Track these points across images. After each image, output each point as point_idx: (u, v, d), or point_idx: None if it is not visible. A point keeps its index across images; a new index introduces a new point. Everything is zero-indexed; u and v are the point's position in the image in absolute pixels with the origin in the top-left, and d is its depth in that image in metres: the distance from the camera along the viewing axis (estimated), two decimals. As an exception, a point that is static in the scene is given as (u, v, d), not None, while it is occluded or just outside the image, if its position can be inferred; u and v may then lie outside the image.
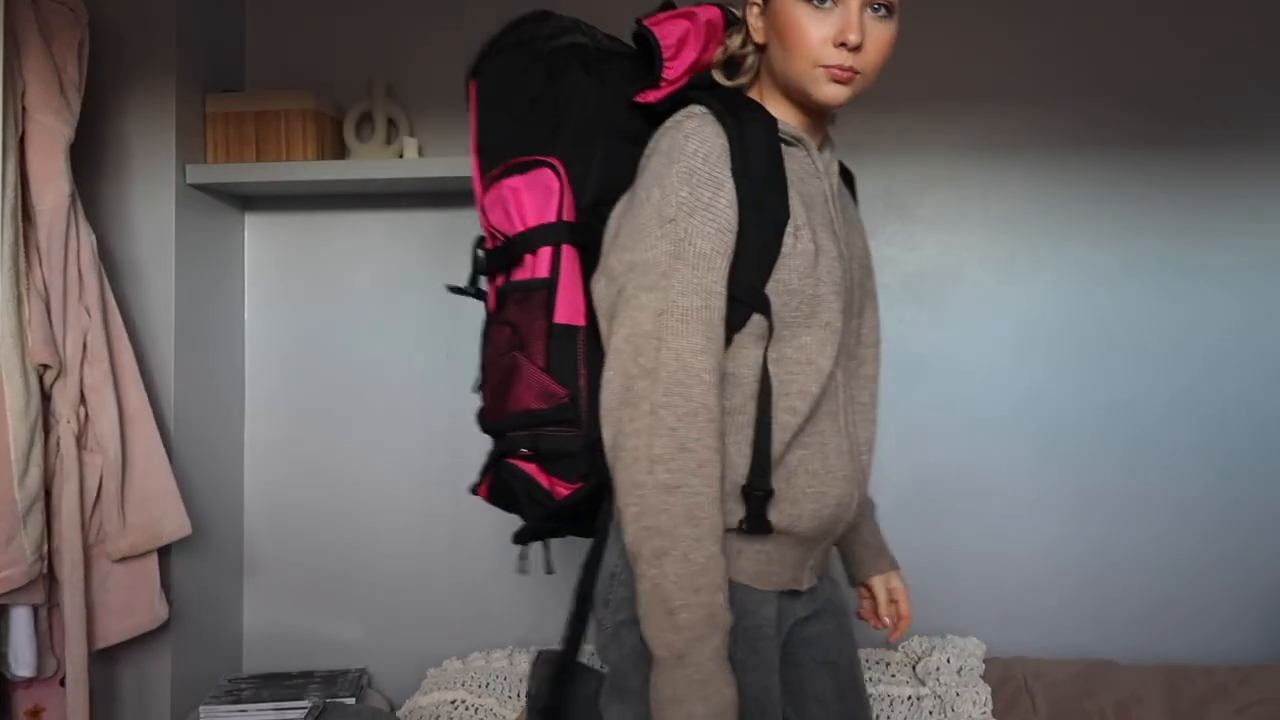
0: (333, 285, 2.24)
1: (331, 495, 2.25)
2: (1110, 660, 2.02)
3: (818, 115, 1.26)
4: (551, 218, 1.25)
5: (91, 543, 1.79)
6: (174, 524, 1.87)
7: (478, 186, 1.33)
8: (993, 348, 2.15)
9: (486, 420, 1.31)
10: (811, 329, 1.20)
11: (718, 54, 1.28)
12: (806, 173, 1.24)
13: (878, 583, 1.49)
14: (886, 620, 1.47)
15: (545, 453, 1.25)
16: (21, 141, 1.66)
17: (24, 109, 1.67)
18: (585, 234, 1.25)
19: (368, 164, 2.02)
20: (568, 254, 1.25)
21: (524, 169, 1.27)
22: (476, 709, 1.83)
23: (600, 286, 1.19)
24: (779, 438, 1.19)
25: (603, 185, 1.26)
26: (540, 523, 1.30)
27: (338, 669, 2.18)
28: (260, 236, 2.25)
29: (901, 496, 2.17)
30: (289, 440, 2.25)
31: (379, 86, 2.10)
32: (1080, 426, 2.14)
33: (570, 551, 2.30)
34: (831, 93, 1.18)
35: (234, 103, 2.05)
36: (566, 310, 1.24)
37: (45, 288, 1.71)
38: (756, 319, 1.17)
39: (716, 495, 1.12)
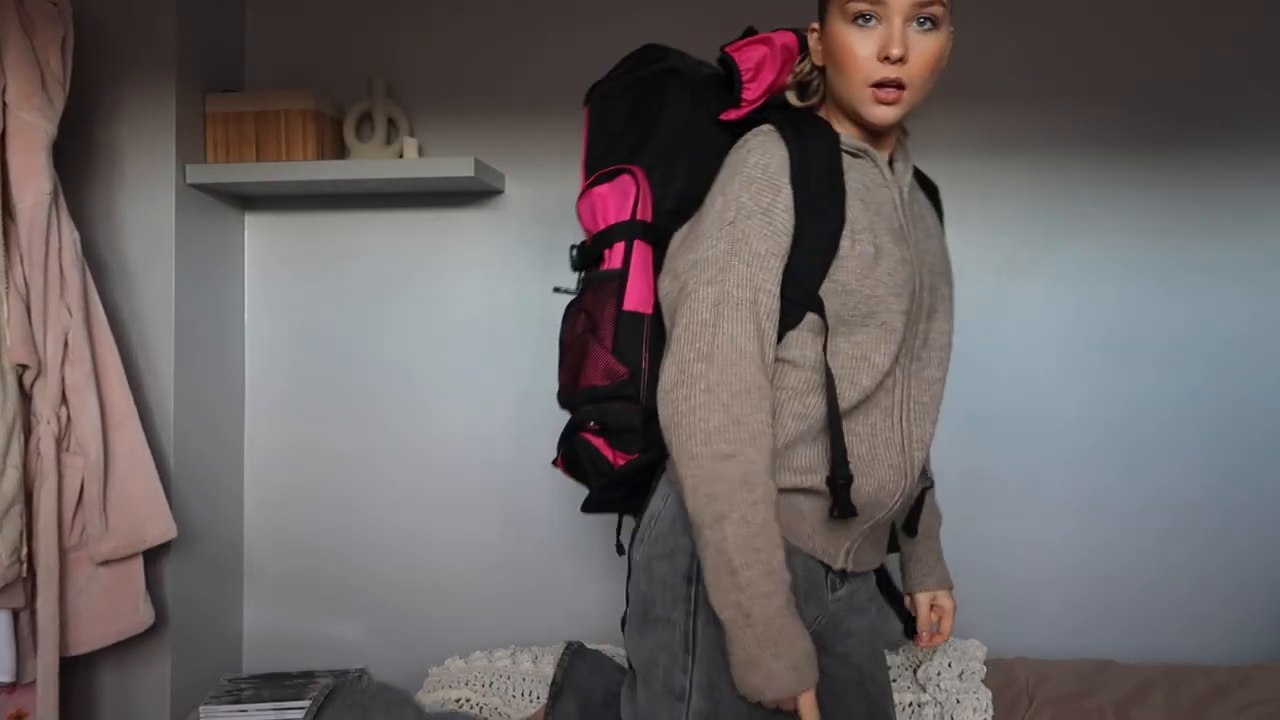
0: (333, 285, 2.24)
1: (332, 494, 2.25)
2: (1110, 660, 2.02)
3: (879, 131, 1.32)
4: (626, 216, 1.37)
5: (74, 546, 1.77)
6: (158, 527, 1.84)
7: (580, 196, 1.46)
8: (993, 348, 2.15)
9: (563, 397, 1.42)
10: (869, 328, 1.27)
11: (790, 77, 1.37)
12: (873, 182, 1.31)
13: (923, 599, 1.55)
14: (924, 636, 1.54)
15: (612, 427, 1.36)
16: (2, 137, 1.64)
17: (5, 105, 1.65)
18: (658, 233, 1.36)
19: (368, 164, 2.02)
20: (639, 249, 1.36)
21: (611, 177, 1.39)
22: (481, 708, 1.83)
23: (665, 283, 1.28)
24: (819, 418, 1.27)
25: (684, 193, 1.36)
26: (603, 491, 1.42)
27: (338, 669, 2.18)
28: (260, 236, 2.25)
29: (901, 496, 2.17)
30: (289, 440, 2.25)
31: (379, 86, 2.10)
32: (1081, 426, 2.14)
33: (578, 543, 2.30)
34: (880, 114, 1.25)
35: (234, 103, 2.05)
36: (636, 298, 1.35)
37: (25, 286, 1.69)
38: (812, 317, 1.25)
39: (769, 465, 1.19)
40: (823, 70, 1.33)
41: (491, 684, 1.84)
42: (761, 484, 1.18)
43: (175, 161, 1.96)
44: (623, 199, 1.37)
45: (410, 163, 2.02)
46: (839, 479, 1.25)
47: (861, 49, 1.22)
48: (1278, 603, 2.13)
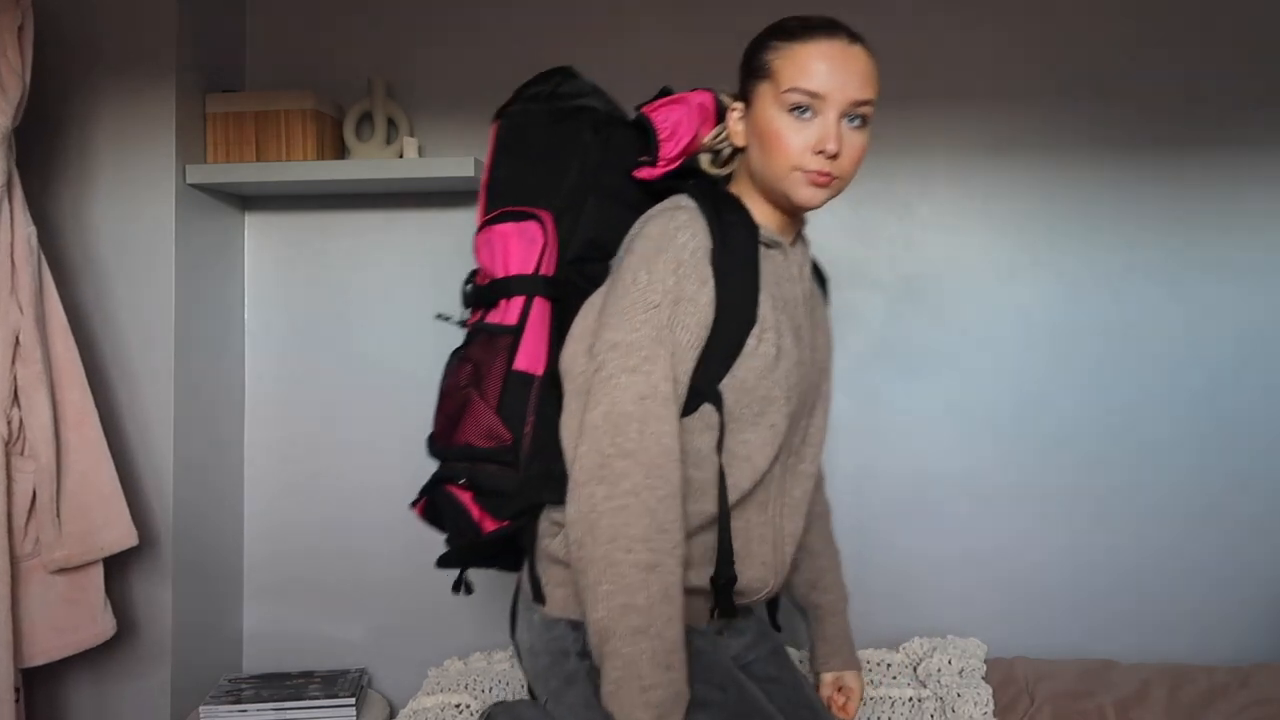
0: (333, 285, 2.24)
1: (332, 494, 2.25)
2: (1110, 660, 2.02)
3: (794, 214, 1.33)
4: (530, 269, 1.32)
5: (27, 554, 1.68)
6: (116, 534, 1.74)
7: (479, 223, 1.41)
8: (993, 348, 2.15)
9: (434, 446, 1.38)
10: (758, 428, 1.26)
11: (705, 143, 1.36)
12: (783, 276, 1.31)
13: (828, 679, 1.55)
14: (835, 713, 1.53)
15: (481, 487, 1.33)
16: None
17: None
18: (560, 288, 1.33)
19: (368, 164, 2.02)
20: (538, 306, 1.33)
21: (518, 218, 1.35)
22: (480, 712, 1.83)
23: (579, 359, 1.25)
24: (707, 513, 1.25)
25: (590, 240, 1.34)
26: (463, 552, 1.39)
27: (338, 669, 2.18)
28: (260, 236, 2.25)
29: (901, 497, 2.17)
30: (289, 440, 2.25)
31: (379, 86, 2.10)
32: (1081, 426, 2.14)
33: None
34: (810, 195, 1.26)
35: (234, 103, 2.04)
36: (527, 358, 1.32)
37: None
38: (707, 408, 1.23)
39: (682, 578, 1.17)
40: (739, 149, 1.33)
41: (490, 690, 1.84)
42: (677, 597, 1.16)
43: (175, 161, 1.96)
44: (528, 247, 1.34)
45: (410, 163, 2.02)
46: (722, 578, 1.25)
47: (796, 139, 1.23)
48: (1278, 603, 2.13)
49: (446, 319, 1.47)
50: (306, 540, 2.26)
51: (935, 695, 1.84)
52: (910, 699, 1.84)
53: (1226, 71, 2.10)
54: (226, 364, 2.18)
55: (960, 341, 2.16)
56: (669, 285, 1.19)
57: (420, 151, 2.09)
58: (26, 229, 1.67)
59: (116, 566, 1.95)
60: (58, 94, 1.94)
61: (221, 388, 2.16)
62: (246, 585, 2.26)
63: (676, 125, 1.35)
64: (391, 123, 2.12)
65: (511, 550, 1.36)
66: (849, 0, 2.15)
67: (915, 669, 1.95)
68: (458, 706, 1.79)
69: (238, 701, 1.97)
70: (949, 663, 1.90)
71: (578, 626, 1.23)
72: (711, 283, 1.21)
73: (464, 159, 1.98)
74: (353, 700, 2.00)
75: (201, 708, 1.96)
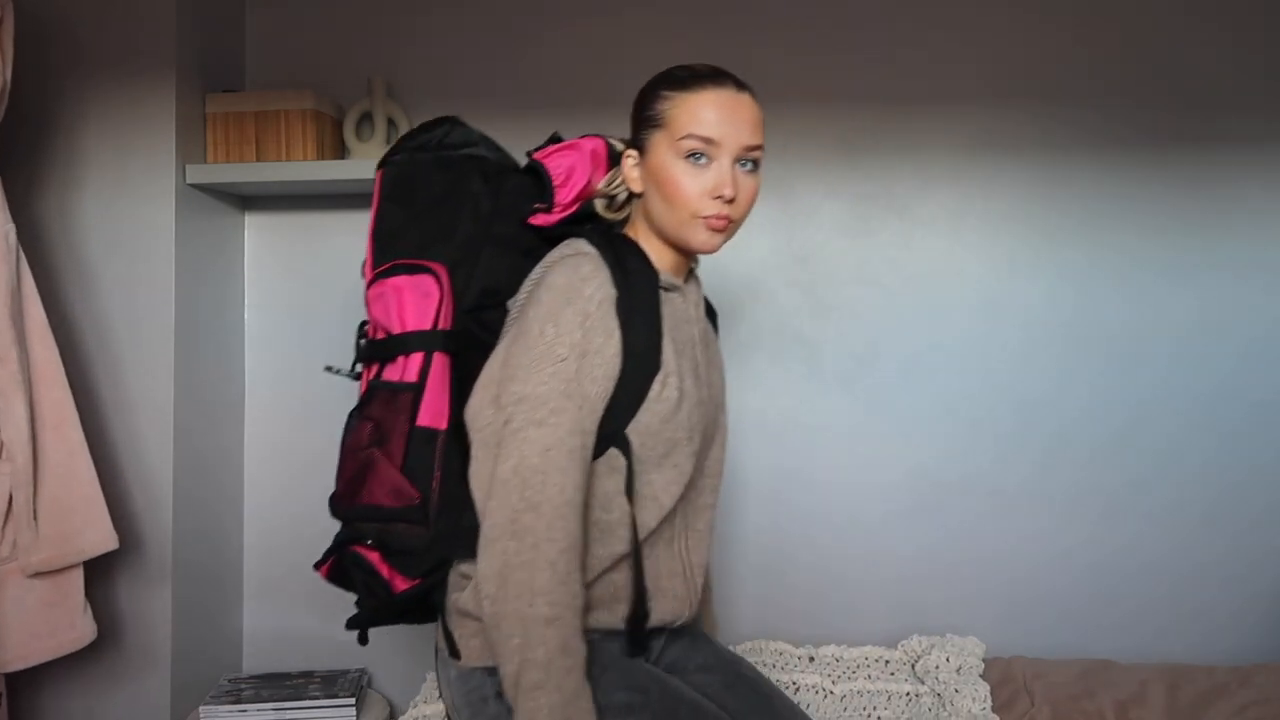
0: (333, 285, 2.24)
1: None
2: (1110, 660, 2.02)
3: (689, 256, 1.35)
4: (427, 325, 1.32)
5: (4, 557, 1.65)
6: (96, 537, 1.71)
7: (368, 275, 1.40)
8: (993, 348, 2.15)
9: (338, 508, 1.36)
10: (662, 469, 1.29)
11: (600, 189, 1.37)
12: (681, 318, 1.34)
13: None
14: None
15: (390, 547, 1.32)
16: None
17: None
18: (458, 341, 1.33)
19: (368, 164, 2.01)
20: (438, 361, 1.32)
21: (411, 270, 1.34)
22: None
23: (486, 412, 1.25)
24: (617, 553, 1.27)
25: (485, 289, 1.35)
26: (374, 613, 1.38)
27: (338, 669, 2.18)
28: (260, 236, 2.25)
29: (901, 496, 2.17)
30: (289, 439, 2.25)
31: (379, 86, 2.10)
32: (1081, 427, 2.14)
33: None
34: (708, 240, 1.28)
35: (234, 103, 2.04)
36: (430, 414, 1.31)
37: None
38: (613, 452, 1.26)
39: (581, 627, 1.19)
40: (635, 195, 1.34)
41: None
42: (576, 648, 1.18)
43: (175, 161, 1.96)
44: (423, 301, 1.33)
45: (410, 163, 2.01)
46: (638, 616, 1.28)
47: (693, 185, 1.26)
48: (1278, 603, 2.13)
49: (336, 371, 1.46)
50: (306, 540, 2.25)
51: (933, 691, 1.85)
52: (907, 694, 1.85)
53: (1230, 69, 2.10)
54: (226, 364, 2.18)
55: (959, 341, 2.16)
56: (576, 339, 1.21)
57: (420, 151, 2.08)
58: (4, 226, 1.64)
59: (116, 566, 1.95)
60: (57, 94, 1.94)
61: (221, 388, 2.16)
62: (246, 585, 2.26)
63: (570, 171, 1.36)
64: (391, 123, 2.12)
65: (423, 606, 1.36)
66: (849, 2, 2.16)
67: (913, 666, 1.95)
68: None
69: (238, 701, 1.97)
70: (947, 660, 1.91)
71: (493, 672, 1.25)
72: (618, 334, 1.24)
73: (464, 159, 1.98)
74: (353, 700, 2.00)
75: (201, 708, 1.96)
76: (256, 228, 2.25)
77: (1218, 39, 2.10)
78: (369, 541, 1.33)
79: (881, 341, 2.17)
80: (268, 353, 2.25)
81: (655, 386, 1.26)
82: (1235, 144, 2.11)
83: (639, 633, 1.29)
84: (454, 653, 1.30)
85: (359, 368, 1.42)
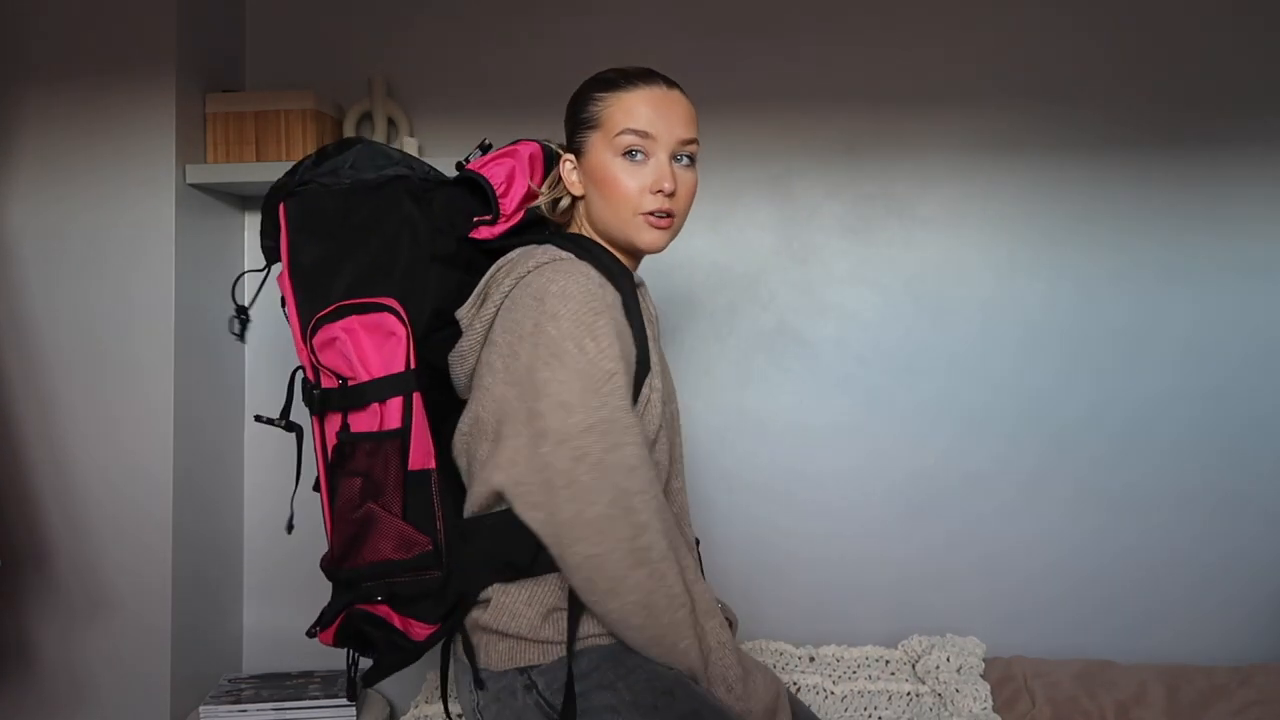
0: (333, 285, 2.24)
1: (331, 495, 2.25)
2: (1110, 660, 2.02)
3: (637, 256, 1.35)
4: (400, 366, 1.26)
5: None
6: None
7: (296, 319, 1.32)
8: (993, 347, 2.15)
9: (340, 571, 1.29)
10: (658, 462, 1.30)
11: (542, 195, 1.35)
12: (646, 318, 1.34)
13: None
14: None
15: (402, 597, 1.27)
16: None
17: None
18: (429, 374, 1.30)
19: (368, 164, 2.01)
20: (416, 401, 1.27)
21: (362, 310, 1.27)
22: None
23: (543, 449, 1.18)
24: None
25: (435, 312, 1.31)
26: (396, 664, 1.32)
27: (338, 669, 2.18)
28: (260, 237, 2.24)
29: (901, 496, 2.17)
30: (289, 439, 2.23)
31: (379, 86, 2.10)
32: (1080, 426, 2.14)
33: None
34: (653, 238, 1.29)
35: (234, 103, 2.04)
36: (419, 456, 1.27)
37: None
38: None
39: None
40: (576, 198, 1.34)
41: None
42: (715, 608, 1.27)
43: (175, 161, 1.96)
44: (386, 341, 1.26)
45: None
46: None
47: (632, 182, 1.27)
48: (1278, 603, 2.13)
49: (269, 422, 1.41)
50: (306, 540, 2.25)
51: (933, 691, 1.85)
52: (908, 693, 1.85)
53: (1227, 71, 2.10)
54: (226, 364, 2.18)
55: (959, 341, 2.16)
56: (617, 350, 1.19)
57: (420, 151, 2.09)
58: None
59: (116, 566, 1.95)
60: (58, 94, 1.94)
61: (221, 387, 2.16)
62: (246, 585, 2.26)
63: (510, 178, 1.34)
64: (391, 123, 2.12)
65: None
66: (848, 2, 2.16)
67: (914, 666, 1.95)
68: (460, 715, 1.79)
69: (238, 701, 1.97)
70: (947, 660, 1.91)
71: (524, 671, 1.25)
72: (631, 336, 1.25)
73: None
74: (353, 700, 2.00)
75: (201, 708, 1.96)
76: (256, 228, 2.24)
77: (1219, 39, 2.10)
78: (379, 598, 1.27)
79: (881, 341, 2.17)
80: (268, 353, 2.25)
81: (646, 387, 1.27)
82: (1236, 144, 2.10)
83: None
84: (480, 662, 1.28)
85: (291, 419, 1.37)
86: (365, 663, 1.39)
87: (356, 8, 2.22)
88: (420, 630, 1.29)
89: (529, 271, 1.25)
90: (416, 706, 1.87)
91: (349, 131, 2.12)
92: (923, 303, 2.16)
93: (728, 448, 2.19)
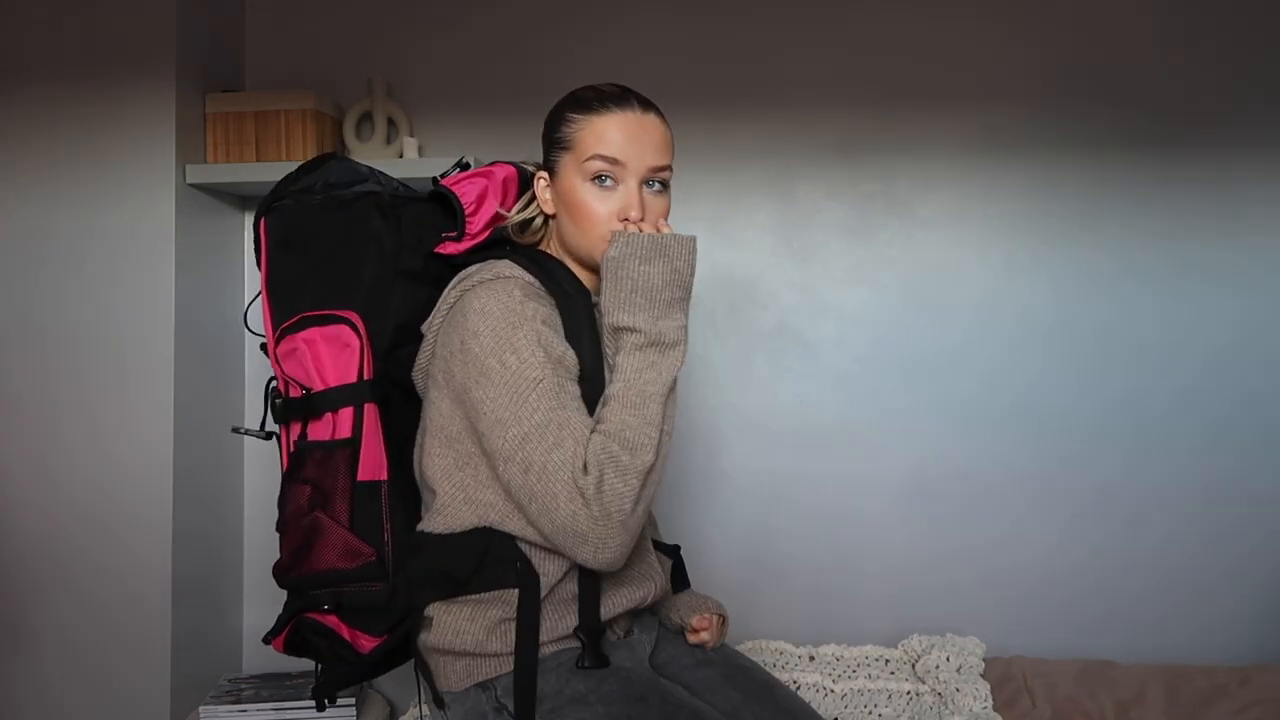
0: (333, 285, 2.24)
1: (331, 495, 2.24)
2: (1110, 660, 2.02)
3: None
4: (353, 377, 1.29)
5: None
6: None
7: (269, 331, 1.35)
8: (993, 347, 2.15)
9: (286, 577, 1.32)
10: None
11: (513, 216, 1.36)
12: (597, 330, 1.33)
13: (694, 621, 1.48)
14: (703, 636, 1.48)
15: (347, 607, 1.29)
16: None
17: None
18: (384, 389, 1.31)
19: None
20: (369, 412, 1.29)
21: (322, 322, 1.30)
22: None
23: (499, 469, 1.20)
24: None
25: (399, 328, 1.32)
26: (343, 677, 1.35)
27: (338, 669, 2.17)
28: (260, 236, 2.25)
29: (901, 496, 2.17)
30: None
31: (379, 86, 2.10)
32: (1080, 426, 2.14)
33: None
34: None
35: (234, 103, 2.05)
36: (369, 468, 1.29)
37: None
38: None
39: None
40: (549, 216, 1.35)
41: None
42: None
43: (175, 161, 1.96)
44: (341, 353, 1.29)
45: (410, 163, 2.02)
46: (589, 628, 1.27)
47: (601, 207, 1.27)
48: (1277, 603, 2.13)
49: (246, 432, 1.44)
50: (306, 540, 2.25)
51: (933, 690, 1.85)
52: (908, 693, 1.85)
53: (1227, 72, 2.10)
54: (226, 364, 2.18)
55: (959, 341, 2.16)
56: (539, 356, 1.20)
57: (420, 151, 2.09)
58: None
59: (116, 567, 1.95)
60: (58, 93, 1.94)
61: (221, 387, 2.16)
62: (246, 585, 2.26)
63: (481, 198, 1.35)
64: (391, 123, 2.12)
65: (389, 657, 1.35)
66: (849, 3, 2.16)
67: (913, 665, 1.95)
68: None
69: (238, 701, 1.97)
70: (947, 660, 1.91)
71: (486, 688, 1.26)
72: (569, 347, 1.24)
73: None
74: (352, 700, 2.00)
75: (201, 708, 1.96)
76: (256, 228, 2.25)
77: (1220, 39, 2.10)
78: (325, 607, 1.29)
79: (881, 341, 2.17)
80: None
81: (599, 406, 1.26)
82: (1237, 145, 2.10)
83: (595, 647, 1.27)
84: (439, 684, 1.30)
85: (274, 427, 1.38)
86: None
87: (356, 8, 2.22)
88: (366, 642, 1.30)
89: (470, 289, 1.26)
90: (415, 706, 1.87)
91: (349, 131, 2.12)
92: (922, 303, 2.16)
93: (728, 448, 2.19)
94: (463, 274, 1.30)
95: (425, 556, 1.28)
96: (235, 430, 1.47)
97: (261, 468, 2.25)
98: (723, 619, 1.49)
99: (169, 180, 1.95)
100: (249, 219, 2.25)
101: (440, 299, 1.32)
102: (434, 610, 1.29)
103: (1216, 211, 2.11)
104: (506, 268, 1.27)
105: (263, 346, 1.41)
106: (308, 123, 2.04)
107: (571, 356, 1.23)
